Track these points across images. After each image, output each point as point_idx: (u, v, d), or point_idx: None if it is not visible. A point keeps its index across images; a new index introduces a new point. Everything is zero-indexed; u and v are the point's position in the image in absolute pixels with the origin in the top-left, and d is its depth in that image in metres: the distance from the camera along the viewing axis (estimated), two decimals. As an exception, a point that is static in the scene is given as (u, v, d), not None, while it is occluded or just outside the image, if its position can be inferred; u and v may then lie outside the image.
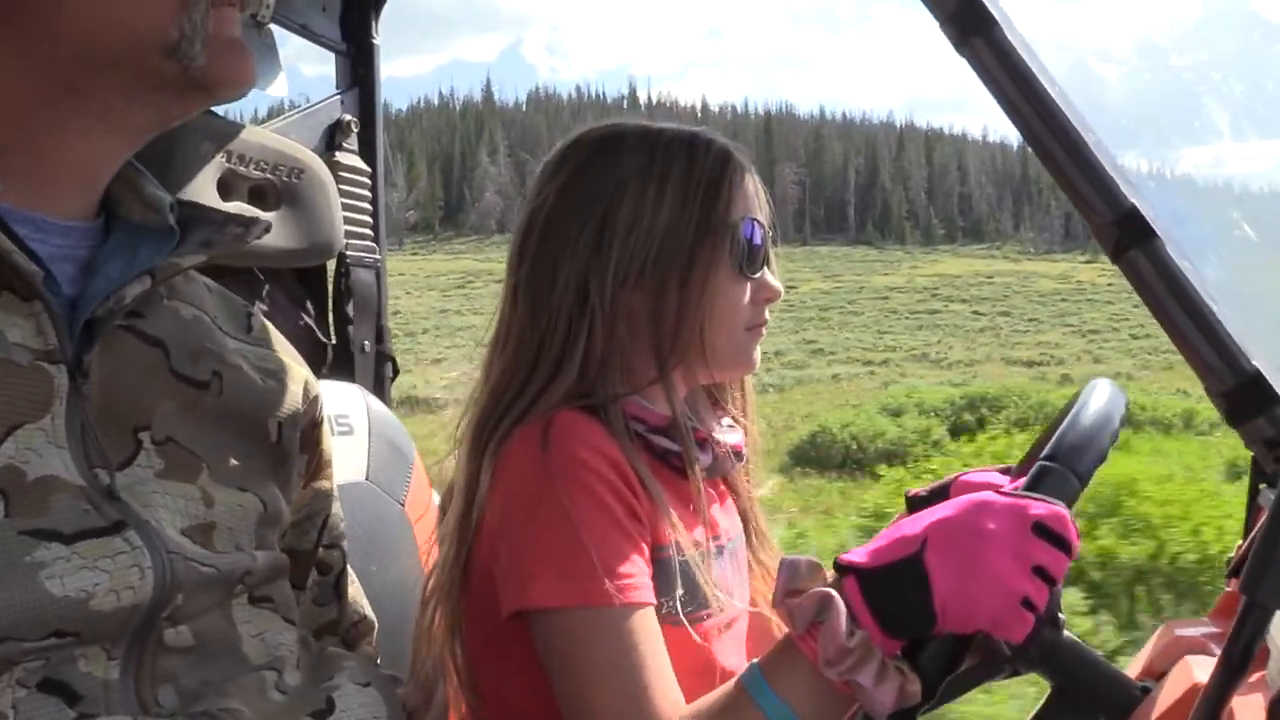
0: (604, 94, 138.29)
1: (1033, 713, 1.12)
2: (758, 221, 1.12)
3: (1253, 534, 1.24)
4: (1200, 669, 1.05)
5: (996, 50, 1.29)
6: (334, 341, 1.71)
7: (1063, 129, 1.30)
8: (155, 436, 0.79)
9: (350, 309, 1.70)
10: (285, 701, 0.82)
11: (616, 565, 0.95)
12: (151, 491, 0.76)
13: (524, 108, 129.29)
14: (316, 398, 1.00)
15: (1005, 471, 1.22)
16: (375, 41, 1.76)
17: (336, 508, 1.05)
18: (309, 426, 0.98)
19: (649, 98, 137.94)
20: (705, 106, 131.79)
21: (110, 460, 0.74)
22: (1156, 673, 1.15)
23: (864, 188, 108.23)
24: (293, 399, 0.95)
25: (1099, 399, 1.02)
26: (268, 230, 0.92)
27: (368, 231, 1.73)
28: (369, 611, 1.11)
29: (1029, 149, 1.35)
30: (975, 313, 45.55)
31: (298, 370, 0.98)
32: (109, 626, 0.70)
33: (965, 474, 1.23)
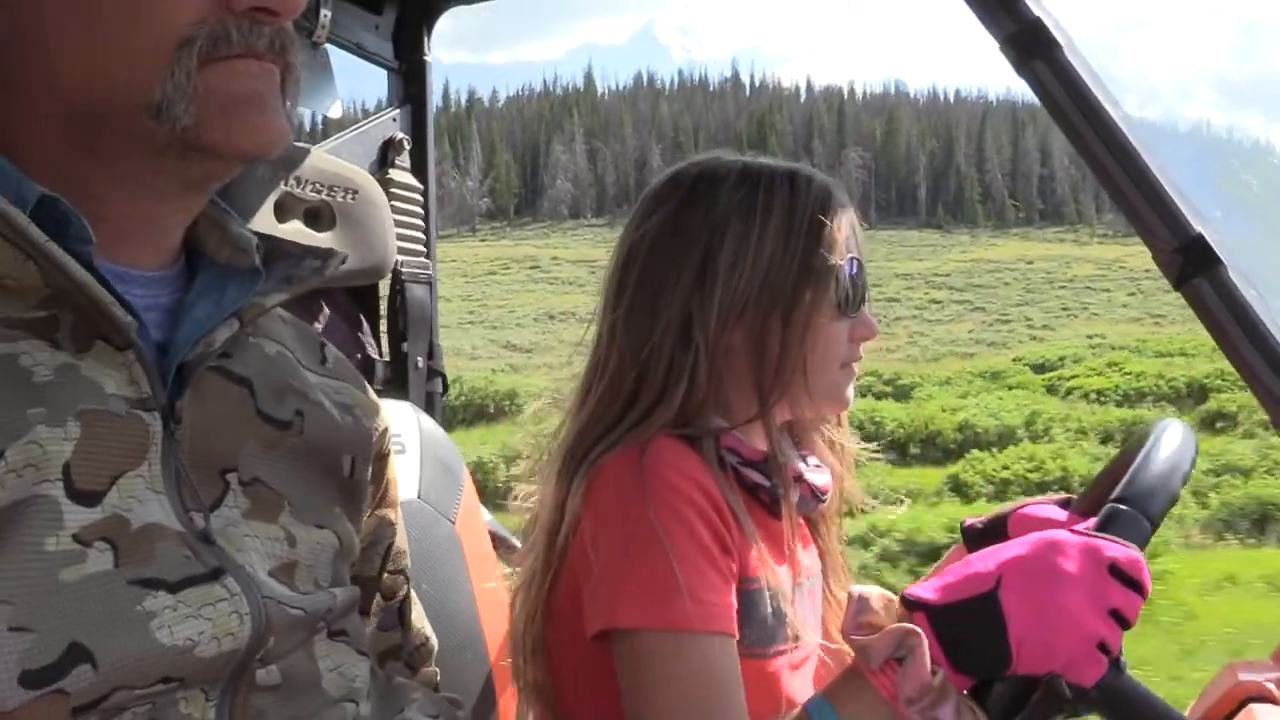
0: (708, 77, 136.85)
1: None
2: (858, 260, 1.14)
3: None
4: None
5: (1059, 73, 1.28)
6: (385, 358, 1.73)
7: (1126, 154, 1.28)
8: (242, 477, 0.81)
9: (403, 326, 1.73)
10: None
11: (703, 592, 0.97)
12: (244, 535, 0.79)
13: (621, 94, 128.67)
14: (386, 430, 1.02)
15: (1063, 505, 1.21)
16: (427, 59, 1.80)
17: (400, 534, 1.08)
18: (378, 458, 1.00)
19: (751, 79, 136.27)
20: (810, 87, 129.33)
21: (204, 504, 0.77)
22: (1217, 717, 1.13)
23: (940, 170, 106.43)
24: (367, 434, 0.96)
25: (1170, 441, 1.02)
26: (344, 262, 0.93)
27: (420, 248, 1.77)
28: (431, 634, 1.13)
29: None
30: (932, 301, 44.56)
31: (371, 403, 1.00)
32: (210, 671, 0.73)
33: (1024, 507, 1.23)
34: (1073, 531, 0.89)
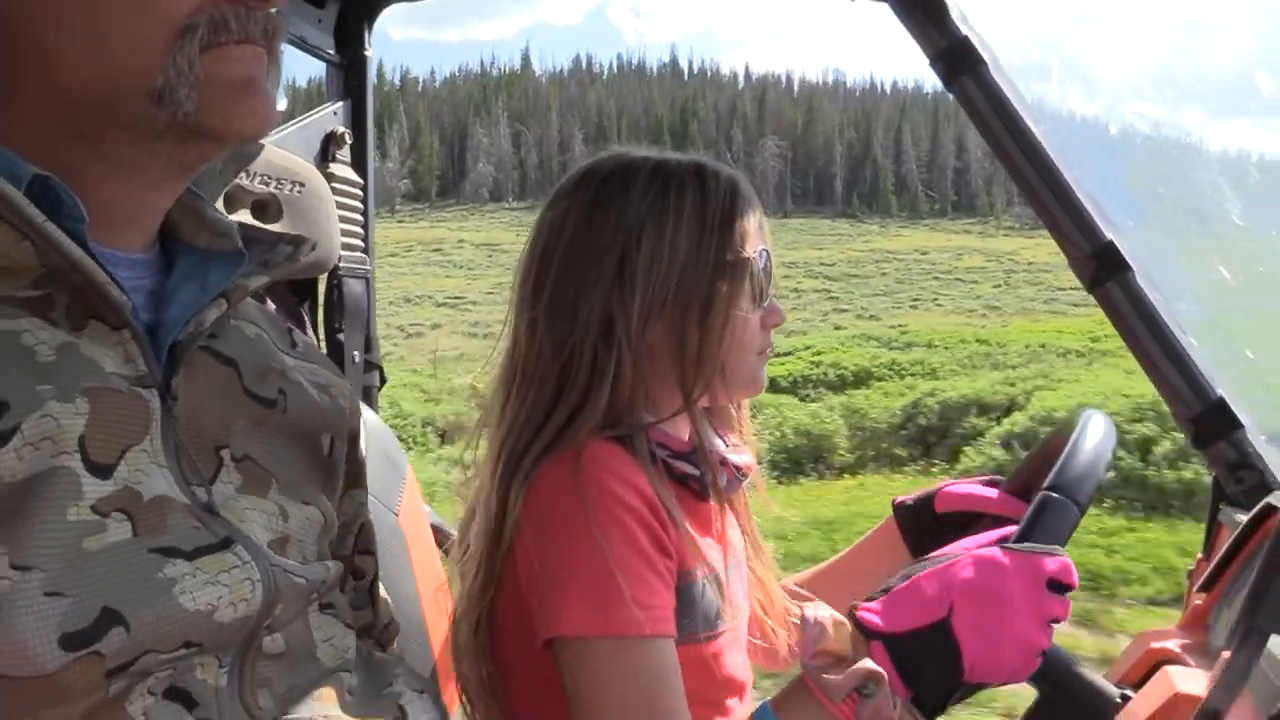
0: (646, 62, 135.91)
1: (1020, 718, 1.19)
2: (767, 251, 1.19)
3: (1223, 552, 1.31)
4: (1180, 679, 1.12)
5: (984, 89, 1.36)
6: (325, 352, 1.74)
7: (1045, 165, 1.37)
8: (234, 454, 0.84)
9: (340, 320, 1.74)
10: (358, 706, 0.88)
11: (644, 597, 1.01)
12: (244, 508, 0.82)
13: (558, 78, 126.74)
14: (357, 411, 1.06)
15: (989, 484, 1.29)
16: (368, 54, 1.82)
17: (369, 514, 1.11)
18: (350, 438, 1.03)
19: (690, 65, 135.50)
20: (749, 75, 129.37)
21: (204, 478, 0.80)
22: (1132, 680, 1.22)
23: (857, 160, 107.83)
24: (341, 413, 1.00)
25: (1095, 431, 1.10)
26: (314, 248, 0.96)
27: (359, 242, 1.79)
28: (394, 615, 1.17)
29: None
30: (794, 290, 44.90)
31: (342, 385, 1.03)
32: (225, 637, 0.76)
33: (948, 485, 1.34)
34: (1005, 549, 0.97)
